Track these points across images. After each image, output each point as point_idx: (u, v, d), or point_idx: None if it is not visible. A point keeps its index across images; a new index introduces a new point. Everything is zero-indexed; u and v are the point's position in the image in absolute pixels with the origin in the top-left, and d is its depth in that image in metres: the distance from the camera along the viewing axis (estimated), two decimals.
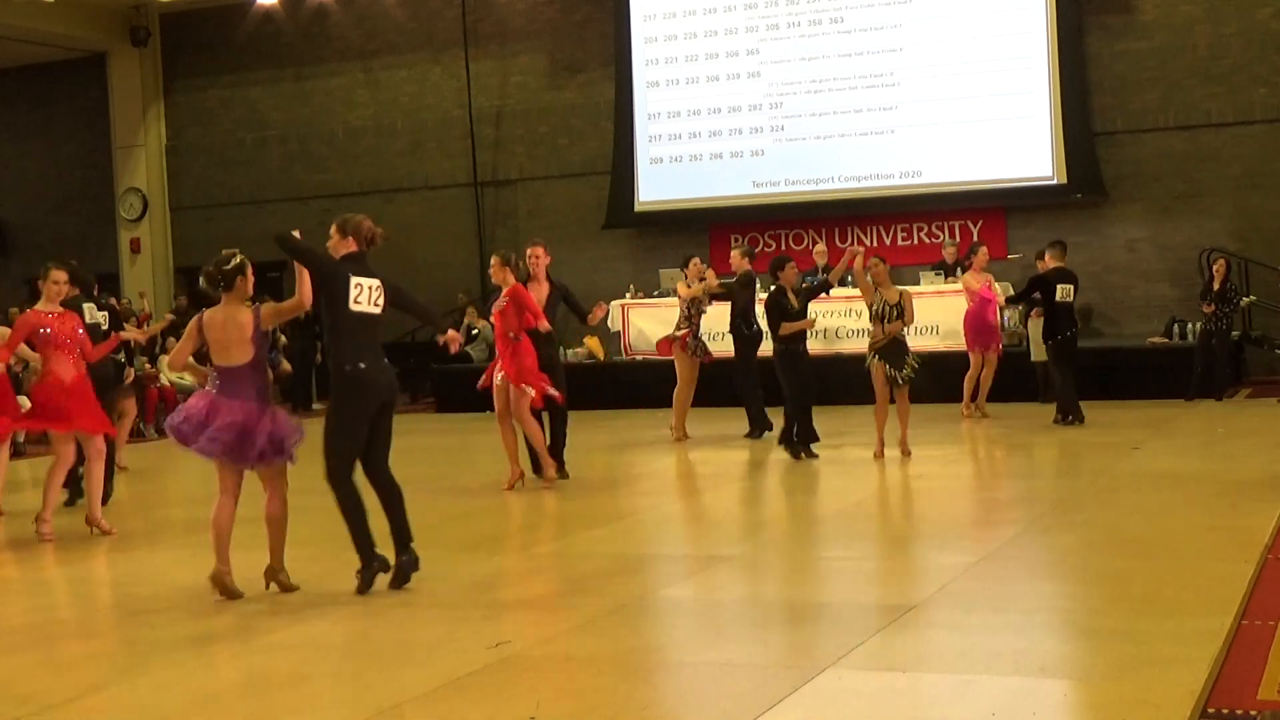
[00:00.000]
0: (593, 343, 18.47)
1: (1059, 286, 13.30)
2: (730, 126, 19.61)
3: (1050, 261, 13.53)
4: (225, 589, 6.96)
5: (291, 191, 22.44)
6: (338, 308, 6.94)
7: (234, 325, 7.02)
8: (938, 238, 18.59)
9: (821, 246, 18.09)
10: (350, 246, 7.11)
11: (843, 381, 16.10)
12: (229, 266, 7.06)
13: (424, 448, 13.34)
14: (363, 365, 6.93)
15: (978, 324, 14.36)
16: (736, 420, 13.57)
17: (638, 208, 20.07)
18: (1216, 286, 15.23)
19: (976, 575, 6.97)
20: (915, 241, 19.10)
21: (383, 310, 7.07)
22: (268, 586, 7.06)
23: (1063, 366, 13.38)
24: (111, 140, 23.55)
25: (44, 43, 22.54)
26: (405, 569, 6.96)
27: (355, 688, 5.45)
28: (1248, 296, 16.35)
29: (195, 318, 7.22)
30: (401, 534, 7.04)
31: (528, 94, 21.25)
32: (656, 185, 19.92)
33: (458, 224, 21.59)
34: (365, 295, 6.98)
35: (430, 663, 5.65)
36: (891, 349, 11.05)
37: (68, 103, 24.20)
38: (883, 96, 18.81)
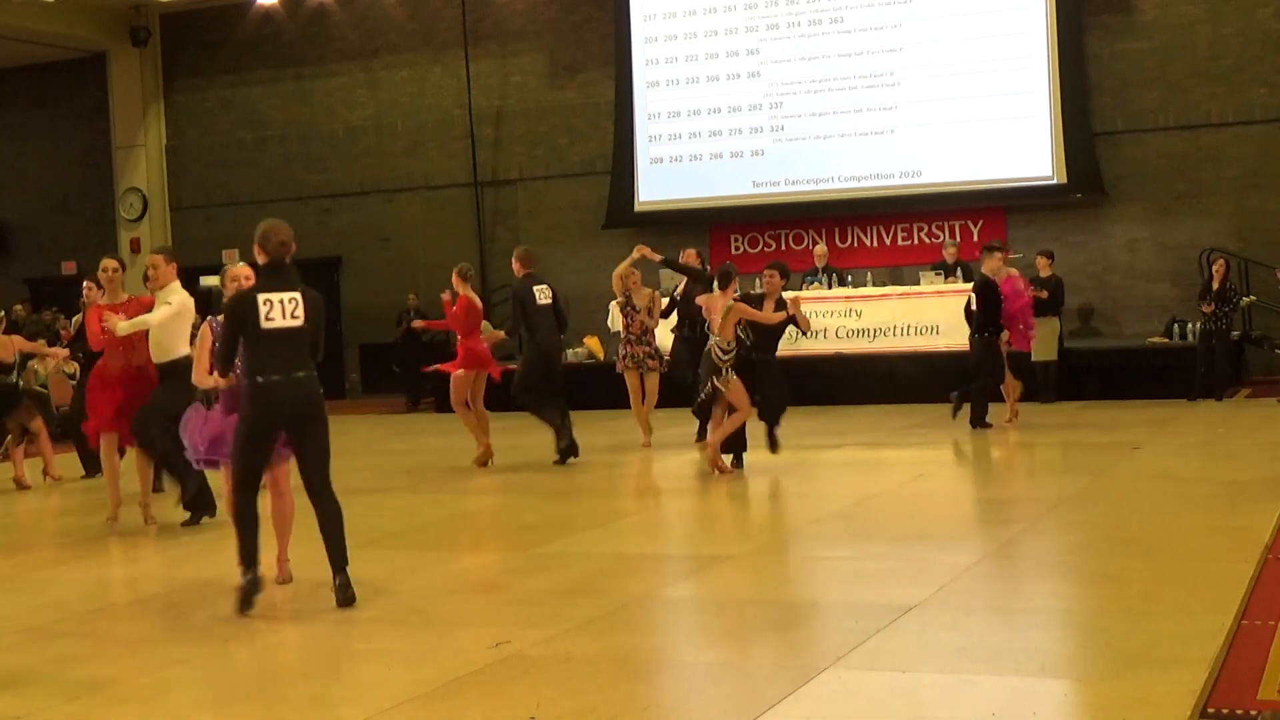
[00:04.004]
0: (592, 342, 18.49)
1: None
2: (730, 126, 19.61)
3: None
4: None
5: (291, 191, 22.45)
6: (251, 330, 6.67)
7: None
8: (938, 238, 18.59)
9: (822, 248, 18.10)
10: (263, 259, 6.80)
11: (842, 381, 16.18)
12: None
13: (424, 448, 13.34)
14: (265, 379, 6.64)
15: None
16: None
17: (638, 208, 20.08)
18: (1216, 286, 15.23)
19: (976, 575, 6.97)
20: (915, 241, 19.10)
21: (310, 320, 6.73)
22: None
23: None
24: (111, 140, 23.55)
25: (44, 43, 22.54)
26: (339, 595, 6.70)
27: (356, 687, 5.45)
28: (1248, 296, 16.34)
29: (205, 324, 7.54)
30: (336, 558, 6.78)
31: (528, 94, 21.25)
32: (656, 185, 19.92)
33: (458, 224, 21.59)
34: (277, 310, 6.67)
35: (430, 663, 5.65)
36: (704, 365, 10.58)
37: (68, 103, 24.20)
38: (883, 96, 18.81)
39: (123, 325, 9.16)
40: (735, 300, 10.56)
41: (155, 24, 23.28)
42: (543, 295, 11.87)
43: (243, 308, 6.68)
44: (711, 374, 10.46)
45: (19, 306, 19.99)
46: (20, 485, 12.26)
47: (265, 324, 6.64)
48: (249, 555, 6.75)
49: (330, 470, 6.88)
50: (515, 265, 12.23)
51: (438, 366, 12.79)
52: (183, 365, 9.31)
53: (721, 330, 10.46)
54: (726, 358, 10.44)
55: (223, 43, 23.02)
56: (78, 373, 16.07)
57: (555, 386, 12.08)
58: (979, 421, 13.11)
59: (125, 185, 23.42)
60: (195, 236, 22.88)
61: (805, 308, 11.64)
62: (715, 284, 11.03)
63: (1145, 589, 6.43)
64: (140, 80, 23.32)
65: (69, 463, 13.24)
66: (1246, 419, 13.54)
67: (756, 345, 10.81)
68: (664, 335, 13.48)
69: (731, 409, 10.60)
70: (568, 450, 11.86)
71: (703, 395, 10.59)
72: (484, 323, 12.47)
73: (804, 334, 11.38)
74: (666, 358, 12.92)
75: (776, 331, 11.09)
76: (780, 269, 11.15)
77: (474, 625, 6.36)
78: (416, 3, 21.83)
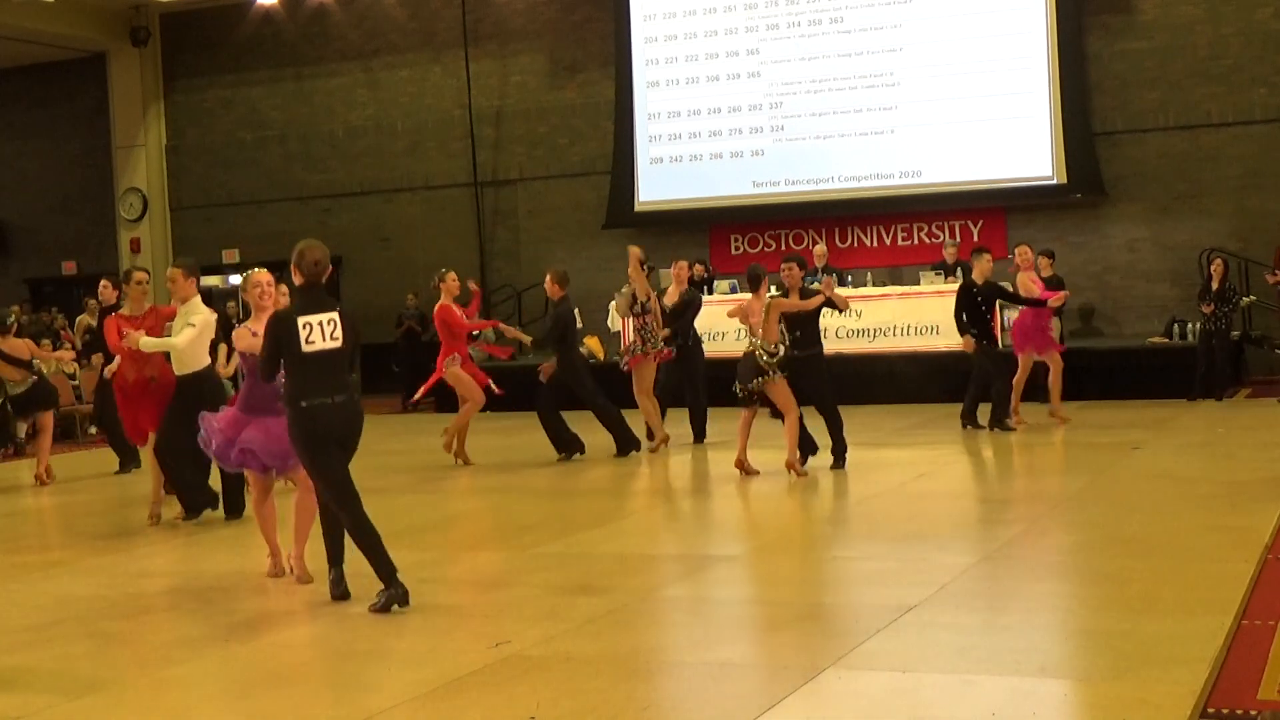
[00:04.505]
0: (592, 342, 18.46)
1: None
2: (730, 126, 19.61)
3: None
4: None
5: (291, 191, 22.45)
6: (293, 353, 6.71)
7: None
8: (938, 238, 18.59)
9: (822, 247, 18.09)
10: (299, 279, 6.83)
11: (842, 381, 16.14)
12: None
13: (423, 448, 13.32)
14: (309, 403, 6.66)
15: (1025, 324, 13.52)
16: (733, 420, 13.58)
17: (638, 208, 20.08)
18: (1215, 286, 15.23)
19: (976, 575, 6.97)
20: (915, 241, 19.11)
21: (349, 341, 6.77)
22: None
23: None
24: (111, 140, 23.56)
25: (44, 43, 22.55)
26: (334, 590, 6.86)
27: (356, 688, 5.46)
28: (1248, 296, 16.34)
29: (239, 327, 7.83)
30: (334, 553, 6.92)
31: (528, 94, 21.26)
32: (656, 185, 19.93)
33: (458, 224, 21.60)
34: (317, 333, 6.68)
35: (430, 663, 5.65)
36: (744, 366, 10.47)
37: (68, 103, 24.21)
38: (883, 96, 18.82)
39: (146, 341, 9.20)
40: (771, 298, 10.54)
41: (155, 24, 23.29)
42: (579, 318, 12.83)
43: (282, 330, 6.72)
44: (754, 375, 10.35)
45: (15, 308, 19.96)
46: (42, 481, 12.47)
47: (306, 348, 6.66)
48: (385, 570, 6.67)
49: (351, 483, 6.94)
50: (554, 288, 12.49)
51: (421, 392, 13.33)
52: (203, 377, 9.40)
53: (766, 332, 10.33)
54: (772, 359, 10.33)
55: (223, 43, 23.02)
56: (78, 373, 16.14)
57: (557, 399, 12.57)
58: (973, 422, 13.14)
59: (125, 185, 23.43)
60: (195, 236, 22.89)
61: None
62: (748, 286, 10.94)
63: (1145, 589, 6.43)
64: (140, 80, 23.33)
65: (65, 463, 13.26)
66: (1246, 419, 13.54)
67: (800, 341, 10.68)
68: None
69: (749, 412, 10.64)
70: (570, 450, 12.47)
71: (741, 395, 10.50)
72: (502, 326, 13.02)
73: (841, 312, 11.48)
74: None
75: (816, 319, 10.99)
76: (798, 261, 11.12)
77: (474, 625, 6.36)
78: (416, 3, 21.83)
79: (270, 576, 7.53)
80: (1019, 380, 13.39)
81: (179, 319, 9.36)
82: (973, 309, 13.06)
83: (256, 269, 7.82)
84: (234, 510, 9.67)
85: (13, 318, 12.88)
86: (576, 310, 12.66)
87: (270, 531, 7.59)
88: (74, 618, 6.94)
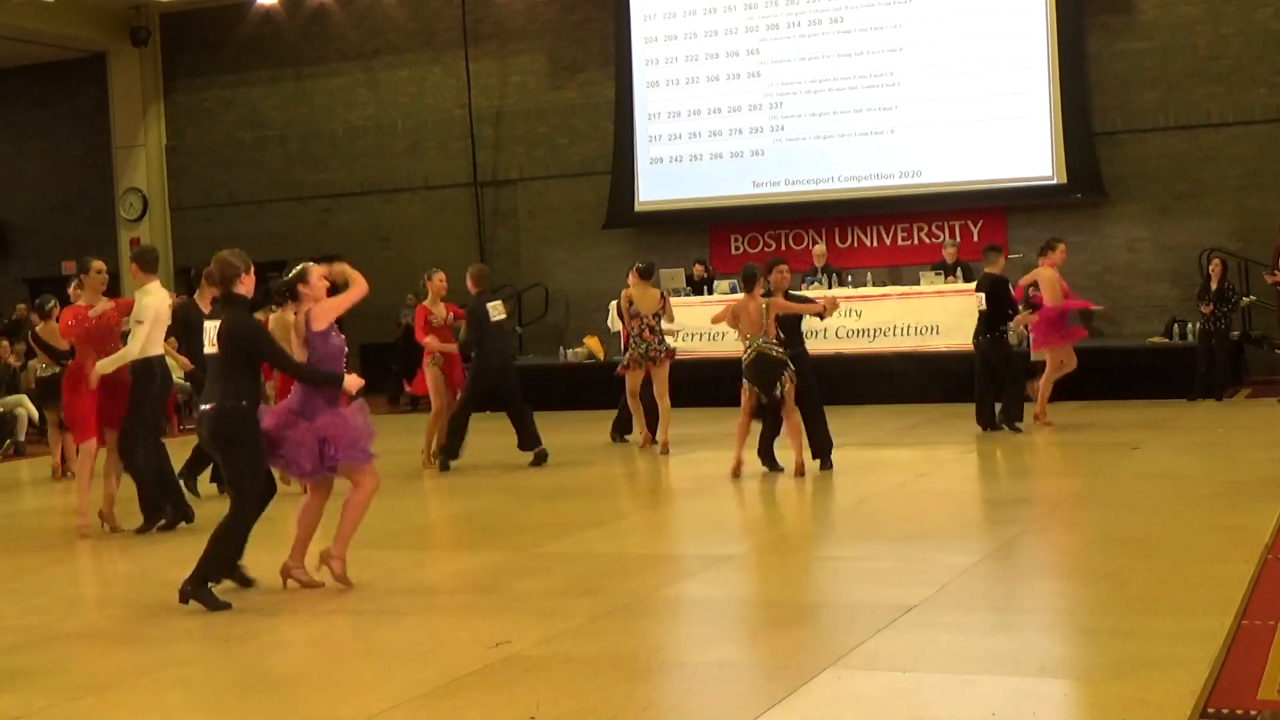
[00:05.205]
0: (592, 342, 18.49)
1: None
2: (730, 126, 19.60)
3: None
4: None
5: (291, 191, 22.44)
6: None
7: (282, 328, 7.46)
8: (938, 238, 18.59)
9: (821, 247, 18.10)
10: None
11: (842, 381, 16.17)
12: (291, 277, 7.30)
13: (422, 448, 13.31)
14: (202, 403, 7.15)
15: (1050, 320, 13.33)
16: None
17: (638, 208, 20.08)
18: (1215, 286, 15.23)
19: (976, 575, 6.98)
20: (915, 241, 19.10)
21: (223, 348, 6.94)
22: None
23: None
24: (111, 140, 23.55)
25: (44, 43, 22.54)
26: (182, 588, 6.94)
27: (355, 688, 5.45)
28: (1248, 296, 16.34)
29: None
30: (201, 559, 6.99)
31: (528, 94, 21.25)
32: (656, 185, 19.92)
33: (458, 224, 21.59)
34: (209, 337, 7.09)
35: (430, 663, 5.65)
36: (759, 369, 10.47)
37: (68, 103, 24.20)
38: (883, 96, 18.81)
39: (103, 364, 9.11)
40: (765, 299, 10.54)
41: (155, 24, 23.28)
42: (495, 312, 12.19)
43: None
44: (779, 373, 10.36)
45: (21, 305, 20.07)
46: (57, 476, 12.50)
47: (207, 348, 7.07)
48: (208, 569, 6.96)
49: (241, 492, 6.93)
50: (470, 284, 12.33)
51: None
52: (155, 364, 9.30)
53: (769, 329, 10.43)
54: (787, 351, 10.44)
55: (223, 43, 23.02)
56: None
57: (506, 395, 12.30)
58: (1012, 423, 12.95)
59: (125, 185, 23.42)
60: (195, 236, 22.87)
61: None
62: (741, 285, 10.90)
63: (1145, 589, 6.44)
64: (140, 80, 23.32)
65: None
66: (1246, 419, 13.54)
67: (785, 342, 10.68)
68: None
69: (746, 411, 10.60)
70: (540, 455, 12.17)
71: (766, 401, 10.46)
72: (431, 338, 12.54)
73: (823, 318, 11.49)
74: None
75: (799, 321, 11.00)
76: (786, 264, 11.17)
77: (474, 625, 6.36)
78: (416, 3, 21.82)
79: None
80: (1050, 378, 13.35)
81: (136, 301, 9.29)
82: (1007, 303, 13.05)
83: (308, 262, 7.42)
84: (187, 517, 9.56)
85: (52, 303, 12.93)
86: (493, 305, 12.19)
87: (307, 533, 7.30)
88: (73, 618, 6.94)
